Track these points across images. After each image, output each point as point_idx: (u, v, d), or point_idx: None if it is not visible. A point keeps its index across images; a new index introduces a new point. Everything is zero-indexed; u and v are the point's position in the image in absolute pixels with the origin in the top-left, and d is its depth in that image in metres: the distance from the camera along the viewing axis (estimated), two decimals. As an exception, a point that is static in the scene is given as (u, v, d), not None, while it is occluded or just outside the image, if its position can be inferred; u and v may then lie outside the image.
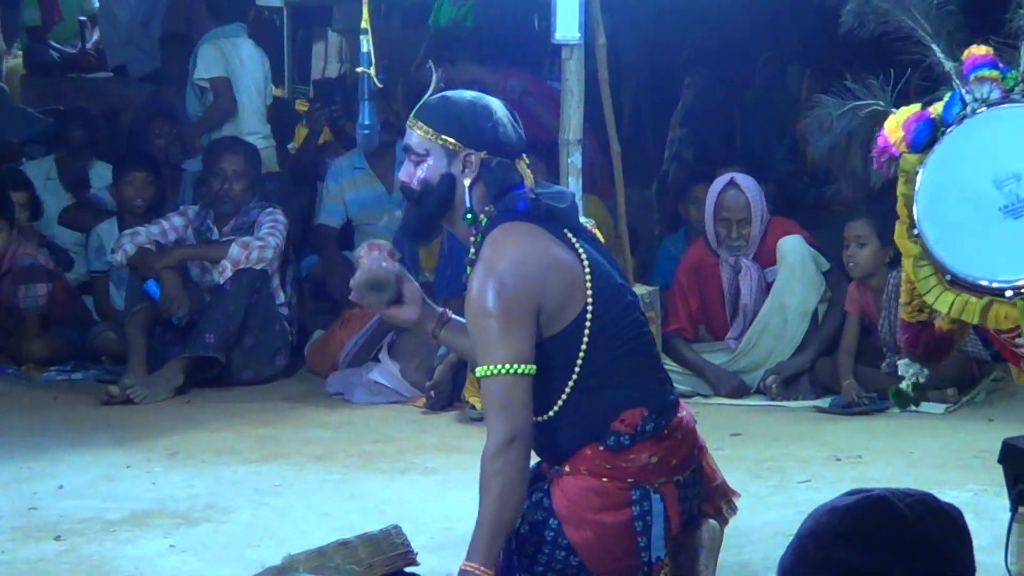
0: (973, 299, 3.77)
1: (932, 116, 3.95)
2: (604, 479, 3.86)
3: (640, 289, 6.66)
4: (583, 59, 6.60)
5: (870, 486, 2.26)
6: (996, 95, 3.89)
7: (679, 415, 3.94)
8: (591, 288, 3.84)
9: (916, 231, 3.85)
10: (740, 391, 7.12)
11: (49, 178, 8.79)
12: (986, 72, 3.92)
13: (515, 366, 3.71)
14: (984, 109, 3.88)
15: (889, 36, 4.09)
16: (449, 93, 4.01)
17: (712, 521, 4.14)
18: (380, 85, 5.61)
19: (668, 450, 3.89)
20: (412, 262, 7.60)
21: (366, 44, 5.16)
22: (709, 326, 7.41)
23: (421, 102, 3.95)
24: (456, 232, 4.01)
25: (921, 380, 4.18)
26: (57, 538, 4.97)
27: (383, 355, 7.17)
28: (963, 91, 3.90)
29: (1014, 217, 3.73)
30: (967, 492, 5.24)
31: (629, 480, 3.85)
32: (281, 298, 7.67)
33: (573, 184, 6.51)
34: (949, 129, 3.92)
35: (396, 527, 4.16)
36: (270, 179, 8.49)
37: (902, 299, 4.10)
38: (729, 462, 5.57)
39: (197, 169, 8.47)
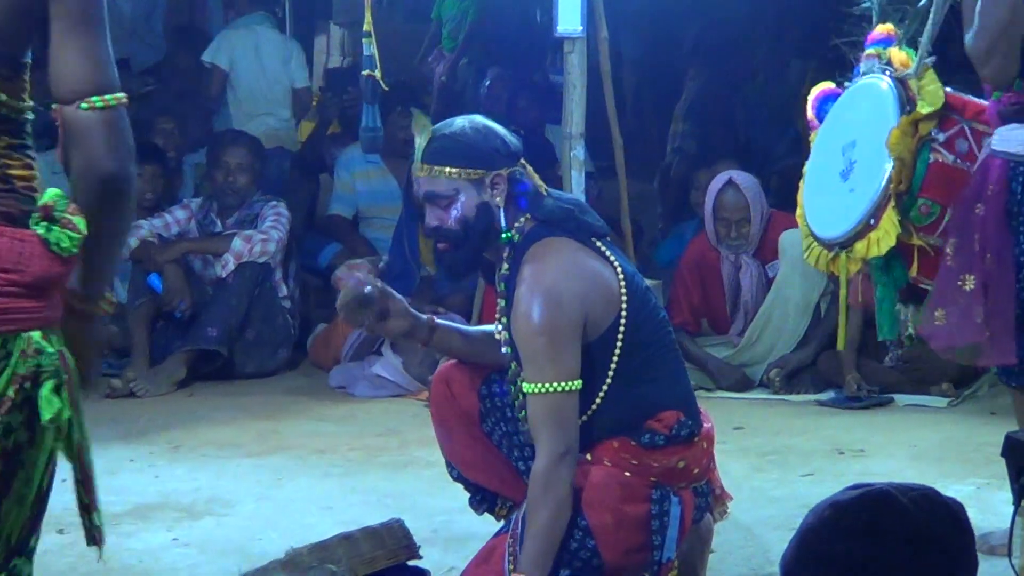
0: (824, 252, 4.15)
1: (836, 92, 4.16)
2: (626, 473, 3.87)
3: (642, 283, 6.65)
4: (585, 52, 6.59)
5: (872, 480, 2.26)
6: (876, 70, 4.01)
7: (706, 425, 4.00)
8: (626, 296, 3.88)
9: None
10: (743, 384, 7.11)
11: (54, 171, 8.75)
12: (873, 49, 4.04)
13: (565, 383, 3.76)
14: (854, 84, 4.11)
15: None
16: (444, 130, 3.92)
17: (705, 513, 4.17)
18: (386, 88, 5.56)
19: (694, 457, 3.93)
20: (414, 257, 7.59)
21: (369, 47, 5.10)
22: (711, 321, 7.39)
23: (420, 149, 3.90)
24: (490, 255, 4.00)
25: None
26: (60, 531, 4.96)
27: (386, 348, 7.16)
28: (860, 67, 4.07)
29: (844, 179, 3.95)
30: (970, 486, 5.24)
31: (651, 479, 3.88)
32: (283, 291, 7.67)
33: (576, 178, 6.50)
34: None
35: (398, 520, 4.17)
36: (283, 155, 8.56)
37: None
38: (731, 455, 5.58)
39: (198, 162, 8.46)
